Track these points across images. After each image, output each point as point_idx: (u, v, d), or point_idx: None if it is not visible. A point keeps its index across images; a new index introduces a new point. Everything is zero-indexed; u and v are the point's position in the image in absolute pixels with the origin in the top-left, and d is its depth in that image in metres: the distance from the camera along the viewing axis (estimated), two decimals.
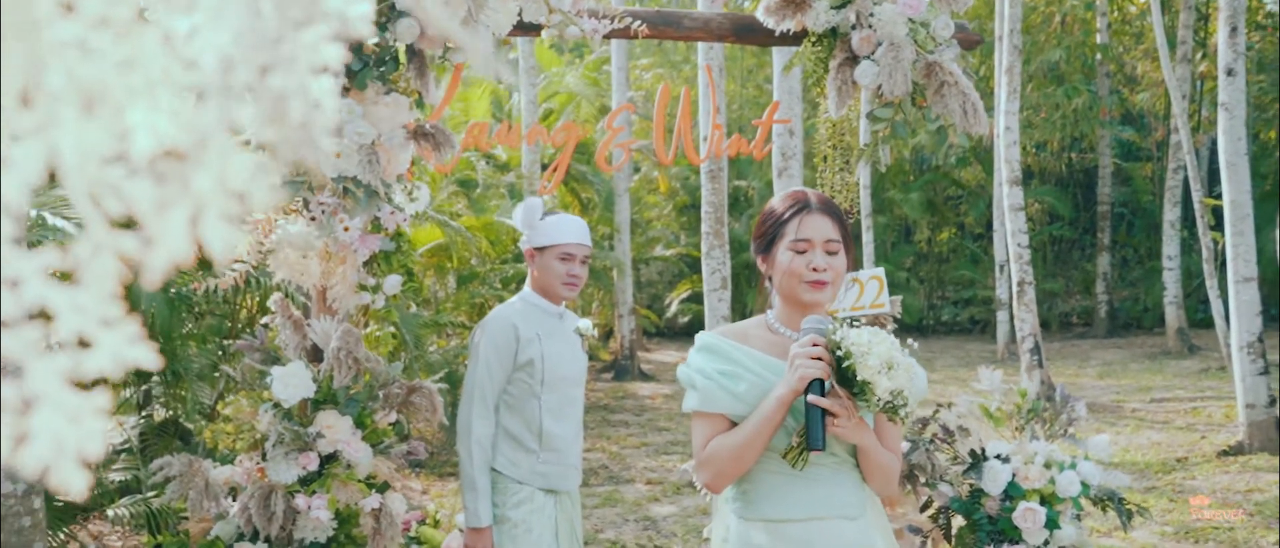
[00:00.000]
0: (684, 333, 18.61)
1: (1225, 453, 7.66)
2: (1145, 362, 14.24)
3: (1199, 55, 16.94)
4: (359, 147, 3.20)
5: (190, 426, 5.59)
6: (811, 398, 2.02)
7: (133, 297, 4.30)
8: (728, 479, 2.18)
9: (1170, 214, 15.59)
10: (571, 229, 3.32)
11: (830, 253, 2.18)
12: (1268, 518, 5.97)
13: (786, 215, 2.21)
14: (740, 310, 14.82)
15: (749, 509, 2.20)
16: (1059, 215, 19.65)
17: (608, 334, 14.46)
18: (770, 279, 2.26)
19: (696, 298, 17.78)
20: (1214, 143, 17.21)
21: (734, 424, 2.16)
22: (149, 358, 0.44)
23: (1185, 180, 15.89)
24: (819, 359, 2.04)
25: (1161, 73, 17.18)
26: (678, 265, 18.17)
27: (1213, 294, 11.88)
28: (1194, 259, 17.61)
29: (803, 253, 2.16)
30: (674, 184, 17.19)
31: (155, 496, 5.07)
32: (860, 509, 2.20)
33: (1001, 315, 14.83)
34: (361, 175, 3.19)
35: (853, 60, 3.66)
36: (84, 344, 0.44)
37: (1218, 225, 14.33)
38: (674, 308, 17.65)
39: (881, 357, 2.00)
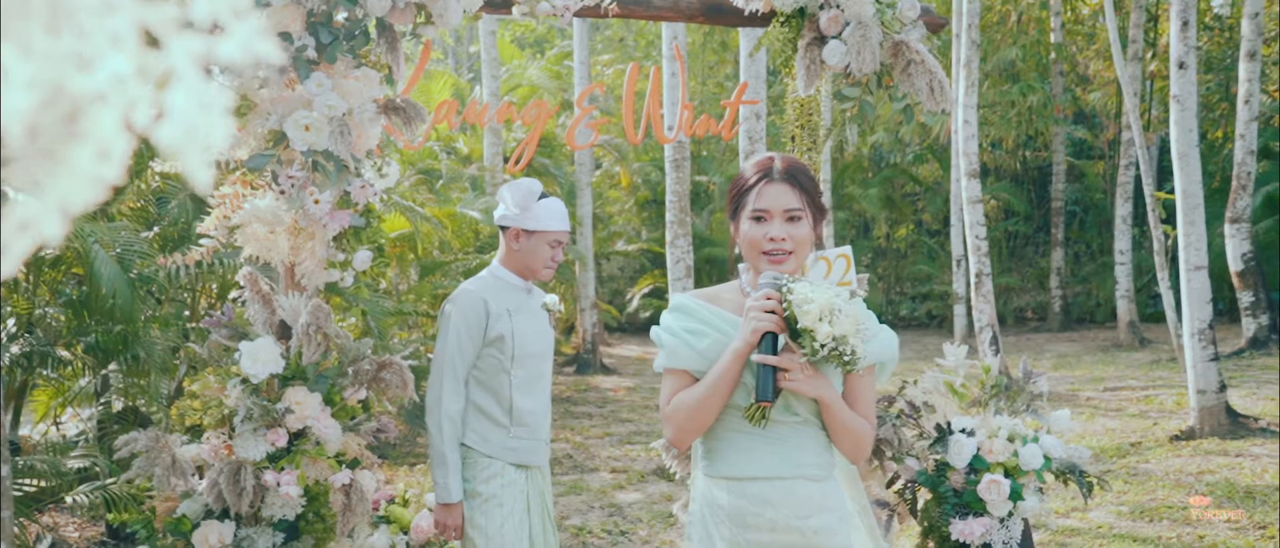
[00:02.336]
0: (645, 328, 18.61)
1: (1177, 438, 7.83)
2: (1098, 354, 14.51)
3: (1149, 55, 17.29)
4: (330, 119, 3.18)
5: (150, 413, 5.50)
6: (757, 356, 2.06)
7: (94, 279, 4.23)
8: (689, 435, 2.21)
9: (1121, 210, 15.90)
10: (563, 216, 3.35)
11: (791, 221, 2.18)
12: (1219, 499, 6.11)
13: (749, 183, 2.23)
14: None
15: (712, 468, 2.24)
16: (1014, 211, 19.96)
17: (569, 329, 14.45)
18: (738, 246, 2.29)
19: (658, 293, 17.81)
20: (1163, 141, 17.58)
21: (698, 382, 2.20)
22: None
23: (1136, 177, 16.22)
24: (771, 313, 2.07)
25: (1113, 72, 17.52)
26: (639, 260, 18.20)
27: (1164, 286, 12.14)
28: (1144, 255, 17.98)
29: (762, 222, 2.18)
30: (635, 179, 17.21)
31: (114, 481, 4.99)
32: (825, 471, 2.21)
33: (959, 309, 15.03)
34: (332, 147, 3.17)
35: (820, 40, 3.70)
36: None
37: (1168, 219, 14.65)
38: (635, 303, 17.66)
39: (822, 305, 2.03)
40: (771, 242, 2.17)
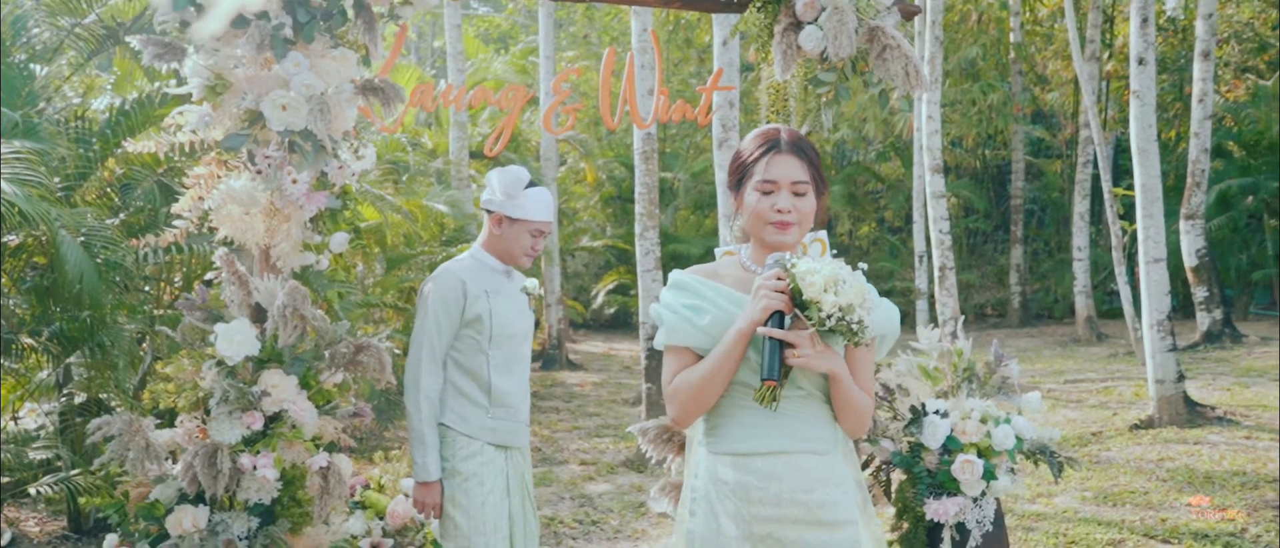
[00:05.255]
0: (610, 324, 18.61)
1: (1137, 427, 7.98)
2: (1057, 348, 14.74)
3: (1105, 55, 17.59)
4: (307, 98, 3.15)
5: (114, 406, 5.41)
6: (762, 329, 2.06)
7: (60, 263, 4.15)
8: (692, 413, 2.19)
9: (1079, 207, 16.17)
10: (548, 206, 3.34)
11: (798, 195, 2.17)
12: (1179, 484, 6.24)
13: (755, 155, 2.21)
14: None
15: (717, 443, 2.22)
16: (974, 209, 20.22)
17: (535, 324, 14.42)
18: (741, 218, 2.29)
19: (622, 289, 17.81)
20: (1119, 140, 17.89)
21: (701, 359, 2.18)
22: None
23: (1094, 175, 16.49)
24: (781, 293, 2.06)
25: (1071, 72, 17.78)
26: (604, 256, 18.19)
27: (1121, 281, 12.37)
28: (1100, 252, 18.29)
29: (768, 194, 2.17)
30: (600, 175, 17.20)
31: (78, 472, 4.90)
32: (830, 446, 2.21)
33: (920, 304, 15.19)
34: (311, 126, 3.14)
35: (796, 26, 3.73)
36: None
37: (1126, 215, 14.93)
38: (600, 299, 17.65)
39: (827, 276, 2.03)
40: (779, 213, 2.16)
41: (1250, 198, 16.87)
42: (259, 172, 3.21)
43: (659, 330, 2.26)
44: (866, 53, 3.71)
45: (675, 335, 2.20)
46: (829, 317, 2.03)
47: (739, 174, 2.23)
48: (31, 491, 4.80)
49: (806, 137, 2.29)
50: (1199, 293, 12.77)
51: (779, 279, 2.08)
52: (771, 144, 2.20)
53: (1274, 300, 17.96)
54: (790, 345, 2.06)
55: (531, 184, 3.32)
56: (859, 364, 2.22)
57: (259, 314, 3.32)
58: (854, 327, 2.05)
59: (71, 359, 5.34)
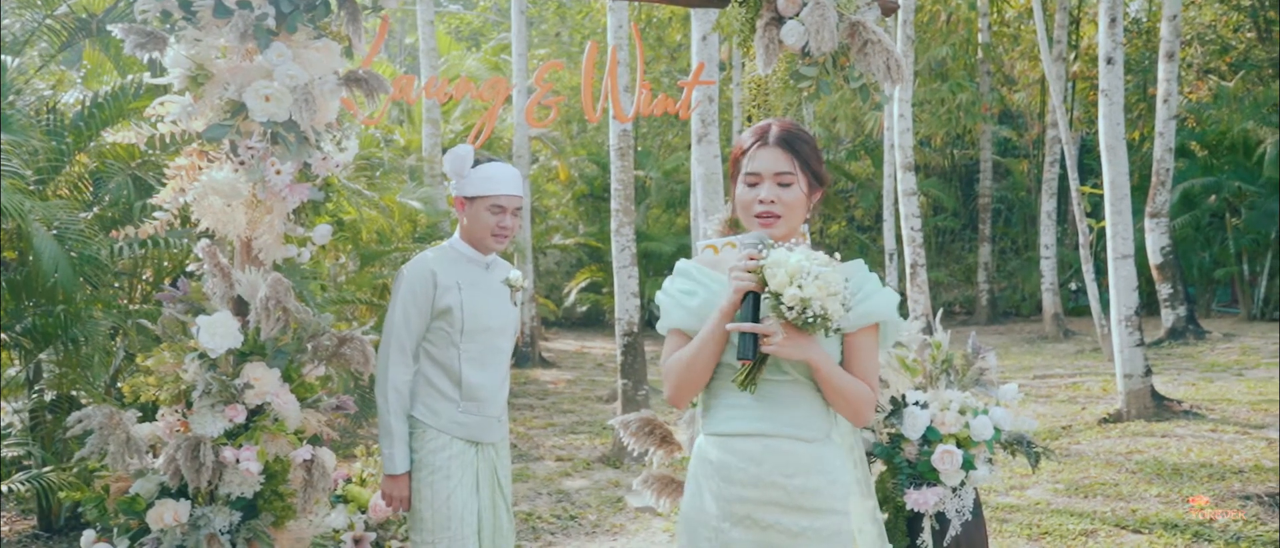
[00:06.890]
0: (582, 322, 18.60)
1: (1106, 421, 8.10)
2: (1025, 345, 14.92)
3: (1072, 56, 17.82)
4: (291, 89, 3.13)
5: (86, 401, 5.34)
6: (730, 325, 2.11)
7: (35, 256, 4.10)
8: (682, 393, 2.24)
9: (1047, 205, 16.37)
10: (504, 179, 3.24)
11: (783, 185, 2.21)
12: (1148, 476, 6.34)
13: (745, 148, 2.27)
14: (641, 298, 14.84)
15: (707, 424, 2.28)
16: (943, 208, 20.41)
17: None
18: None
19: (594, 287, 17.80)
20: (1084, 141, 18.14)
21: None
22: None
23: (1060, 175, 16.70)
24: (751, 273, 2.10)
25: (1038, 72, 18.00)
26: (577, 254, 18.18)
27: (1089, 278, 12.54)
28: (1066, 251, 18.52)
29: (753, 186, 2.23)
30: (573, 173, 17.19)
31: (50, 469, 4.83)
32: (819, 433, 2.22)
33: None
34: (294, 117, 3.12)
35: (778, 21, 3.76)
36: None
37: (1093, 213, 15.13)
38: (572, 297, 17.64)
39: (792, 268, 2.05)
40: (761, 204, 2.21)
41: (1213, 197, 17.16)
42: (241, 163, 3.19)
43: (661, 316, 2.31)
44: (847, 48, 3.74)
45: (669, 318, 2.27)
46: (790, 309, 2.06)
47: (734, 167, 2.30)
48: (2, 488, 4.73)
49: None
50: (1163, 290, 12.97)
51: (751, 259, 2.12)
52: (760, 137, 2.26)
53: (1235, 298, 18.29)
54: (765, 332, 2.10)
55: (484, 160, 3.25)
56: (855, 353, 2.22)
57: (241, 307, 3.30)
58: (810, 321, 2.07)
59: (42, 356, 5.27)
